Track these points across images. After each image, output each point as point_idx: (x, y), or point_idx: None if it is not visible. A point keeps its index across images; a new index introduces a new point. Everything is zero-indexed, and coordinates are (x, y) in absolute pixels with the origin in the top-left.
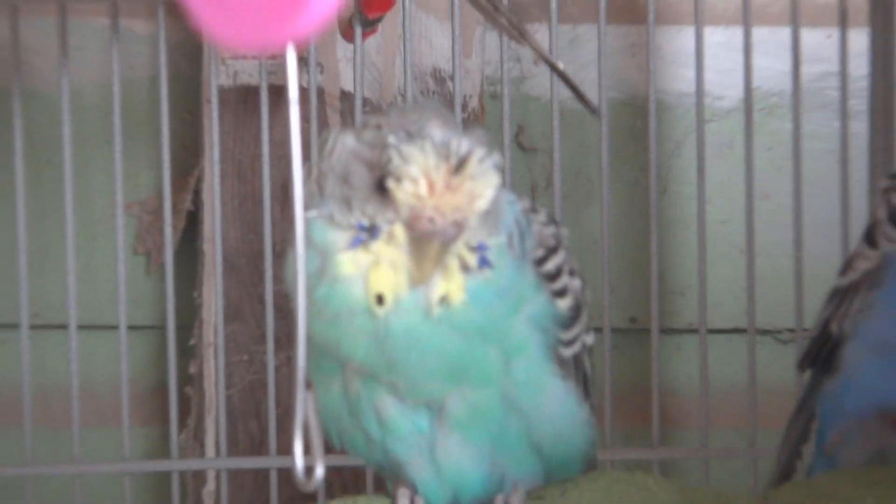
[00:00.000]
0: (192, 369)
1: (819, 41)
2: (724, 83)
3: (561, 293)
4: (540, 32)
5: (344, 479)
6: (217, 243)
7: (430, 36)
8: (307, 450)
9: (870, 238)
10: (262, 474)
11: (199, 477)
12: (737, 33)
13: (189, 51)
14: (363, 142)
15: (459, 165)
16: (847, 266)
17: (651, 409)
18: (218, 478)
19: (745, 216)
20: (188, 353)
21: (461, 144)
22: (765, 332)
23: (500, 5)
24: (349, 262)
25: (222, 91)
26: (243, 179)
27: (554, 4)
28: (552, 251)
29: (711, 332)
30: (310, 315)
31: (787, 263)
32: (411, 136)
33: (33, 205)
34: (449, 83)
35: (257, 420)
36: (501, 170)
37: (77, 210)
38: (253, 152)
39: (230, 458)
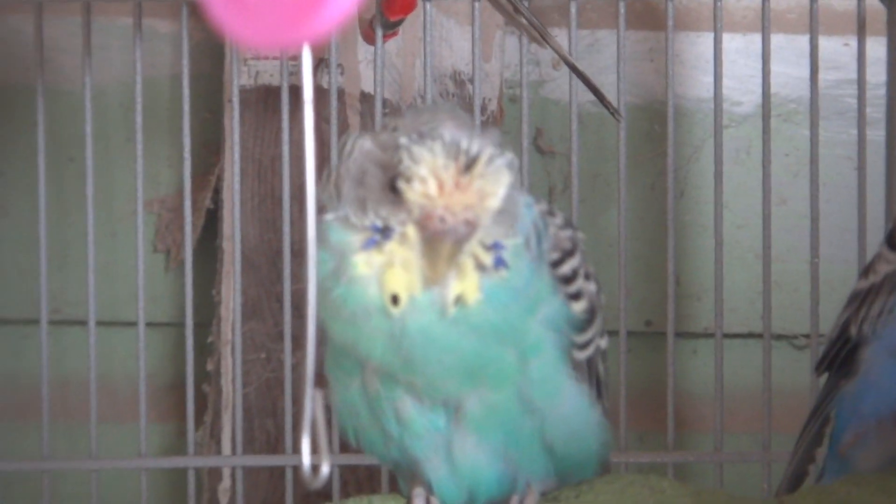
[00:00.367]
0: (210, 366)
1: (837, 48)
2: (741, 89)
3: (576, 296)
4: (559, 37)
5: (359, 478)
6: (236, 242)
7: (451, 39)
8: (316, 448)
9: (891, 241)
10: (277, 472)
11: (215, 474)
12: (755, 40)
13: (211, 50)
14: (378, 144)
15: (469, 165)
16: (868, 269)
17: (666, 413)
18: (234, 475)
19: (762, 221)
20: (206, 350)
21: (472, 144)
22: (780, 337)
23: (523, 7)
24: (363, 263)
25: (243, 91)
26: (263, 179)
27: (573, 9)
28: (568, 254)
29: (727, 336)
30: (328, 315)
31: (803, 269)
32: (422, 137)
33: (55, 201)
34: (468, 86)
35: (273, 418)
36: (517, 170)
37: (98, 207)
38: (273, 152)
39: (246, 456)
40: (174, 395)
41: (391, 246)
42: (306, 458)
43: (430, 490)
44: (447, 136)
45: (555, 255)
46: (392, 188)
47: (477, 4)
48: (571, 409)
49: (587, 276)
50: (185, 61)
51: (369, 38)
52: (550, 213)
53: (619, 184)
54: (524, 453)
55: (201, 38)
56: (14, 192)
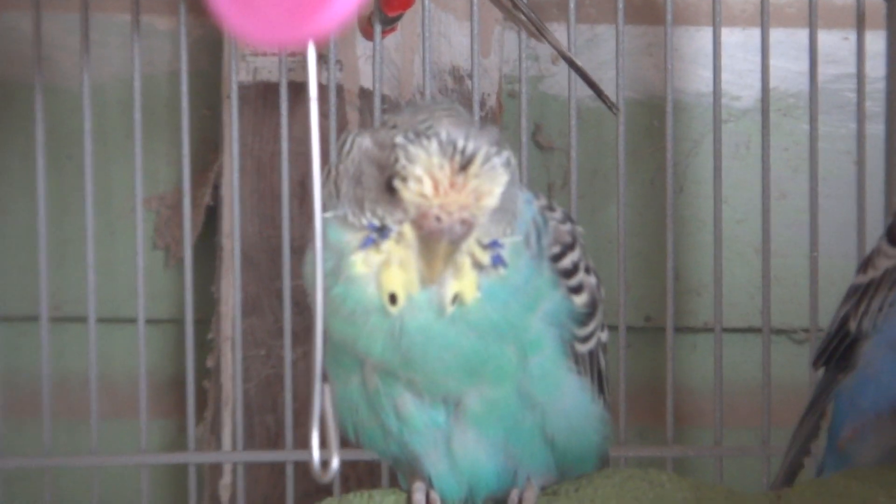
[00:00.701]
0: (210, 363)
1: (836, 43)
2: (741, 83)
3: (577, 290)
4: (558, 32)
5: (359, 473)
6: (235, 238)
7: (449, 34)
8: (323, 443)
9: (891, 236)
10: (278, 468)
11: (216, 470)
12: (754, 34)
13: (209, 47)
14: (376, 142)
15: (465, 164)
16: (867, 263)
17: (665, 407)
18: (234, 471)
19: (762, 216)
20: (206, 346)
21: (467, 143)
22: (780, 332)
23: (519, 2)
24: (361, 262)
25: (242, 87)
26: (262, 175)
27: (572, 4)
28: (568, 248)
29: (726, 331)
30: (327, 313)
31: (802, 263)
32: (418, 136)
33: (54, 199)
34: (467, 81)
35: (274, 414)
36: (515, 167)
37: (97, 204)
38: (272, 148)
39: (246, 452)
40: (174, 392)
41: (388, 245)
42: (315, 453)
43: (429, 484)
44: (443, 135)
45: (555, 249)
46: (389, 187)
47: (476, 0)
48: (573, 403)
49: (587, 270)
50: (184, 58)
51: (368, 34)
52: (550, 208)
53: (619, 179)
54: (524, 448)
55: (200, 35)
56: (13, 189)
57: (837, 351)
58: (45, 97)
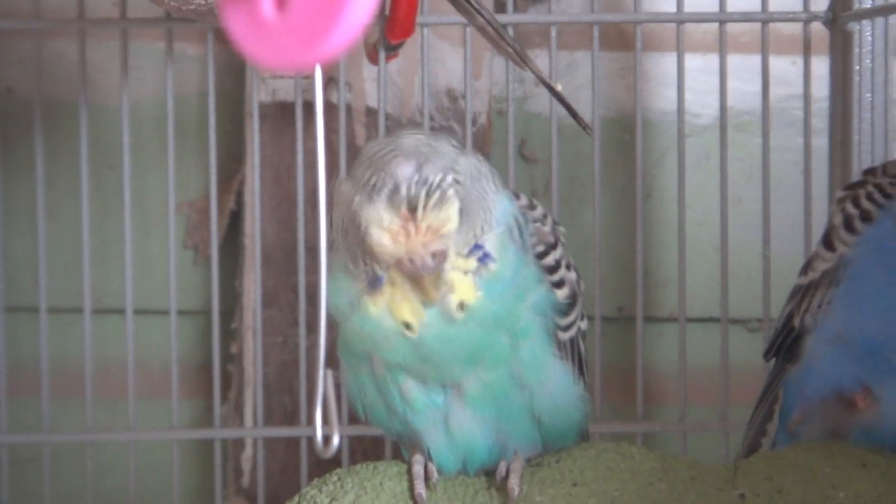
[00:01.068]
0: (234, 349)
1: (785, 67)
2: (701, 103)
3: (559, 284)
4: (541, 58)
5: (365, 447)
6: (256, 239)
7: (445, 60)
8: (327, 422)
9: (827, 242)
10: (293, 442)
11: (239, 444)
12: (713, 59)
13: (234, 71)
14: (349, 197)
15: (413, 208)
16: (807, 266)
17: (636, 388)
18: (255, 445)
19: (720, 219)
20: (230, 335)
21: (411, 185)
22: (736, 322)
23: (506, 35)
24: (372, 305)
25: (262, 106)
26: (280, 184)
27: (553, 33)
28: (552, 247)
29: (690, 320)
30: (350, 333)
31: (756, 261)
32: (370, 195)
33: (96, 204)
34: (461, 101)
35: (290, 394)
36: (478, 165)
37: (134, 209)
38: (289, 160)
39: (266, 428)
40: (202, 375)
41: (387, 287)
42: (318, 432)
43: (428, 457)
44: (389, 185)
45: (540, 248)
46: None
47: (468, 30)
48: (557, 385)
49: (568, 267)
50: (211, 80)
51: (373, 59)
52: (530, 206)
53: (595, 187)
54: (514, 425)
55: (225, 60)
56: (61, 196)
57: (784, 344)
58: (88, 114)
